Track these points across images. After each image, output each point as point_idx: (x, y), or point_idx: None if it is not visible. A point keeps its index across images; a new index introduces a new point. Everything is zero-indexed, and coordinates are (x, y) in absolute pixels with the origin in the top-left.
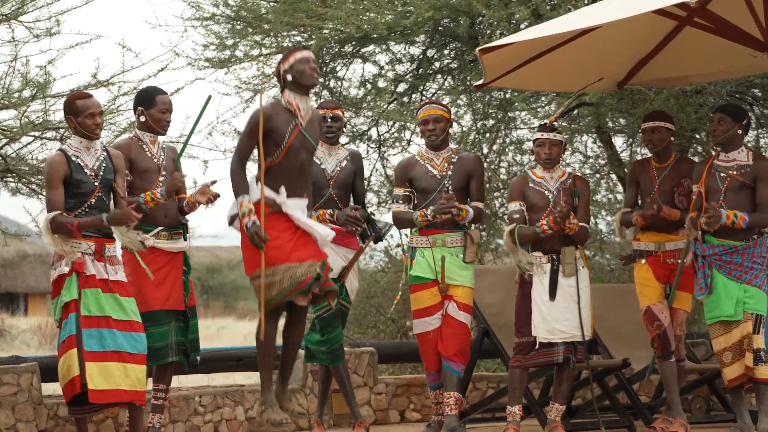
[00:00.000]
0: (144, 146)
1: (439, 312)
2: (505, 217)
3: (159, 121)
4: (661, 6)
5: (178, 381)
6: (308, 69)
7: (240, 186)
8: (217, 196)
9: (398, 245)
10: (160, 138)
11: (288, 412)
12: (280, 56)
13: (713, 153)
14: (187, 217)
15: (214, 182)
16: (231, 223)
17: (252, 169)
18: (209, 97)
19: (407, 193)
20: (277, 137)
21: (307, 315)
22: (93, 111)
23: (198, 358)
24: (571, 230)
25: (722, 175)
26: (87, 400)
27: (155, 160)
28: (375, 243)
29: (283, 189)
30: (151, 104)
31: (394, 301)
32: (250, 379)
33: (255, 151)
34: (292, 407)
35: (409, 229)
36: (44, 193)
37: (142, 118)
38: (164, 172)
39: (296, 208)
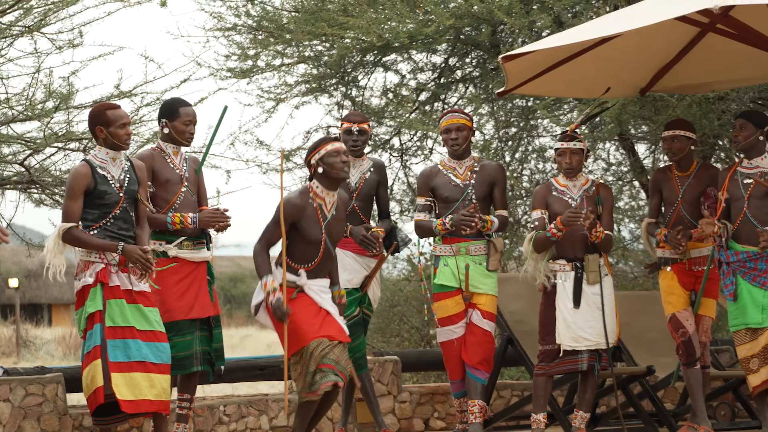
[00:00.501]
0: (167, 157)
1: (463, 320)
2: (528, 225)
3: (183, 132)
4: (684, 13)
5: (203, 390)
6: (339, 162)
7: (263, 268)
8: (225, 227)
9: (421, 254)
10: (183, 148)
11: None
12: (310, 145)
13: (736, 160)
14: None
15: (226, 210)
16: (256, 313)
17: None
18: (225, 108)
19: (428, 203)
20: (303, 230)
21: (333, 402)
22: (125, 121)
23: (222, 367)
24: (597, 238)
25: (746, 182)
26: (111, 410)
27: (178, 171)
28: (394, 253)
29: (302, 271)
30: (175, 116)
31: (425, 317)
32: (274, 388)
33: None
34: None
35: (432, 238)
36: (63, 209)
37: (166, 130)
38: (186, 183)
39: (317, 288)
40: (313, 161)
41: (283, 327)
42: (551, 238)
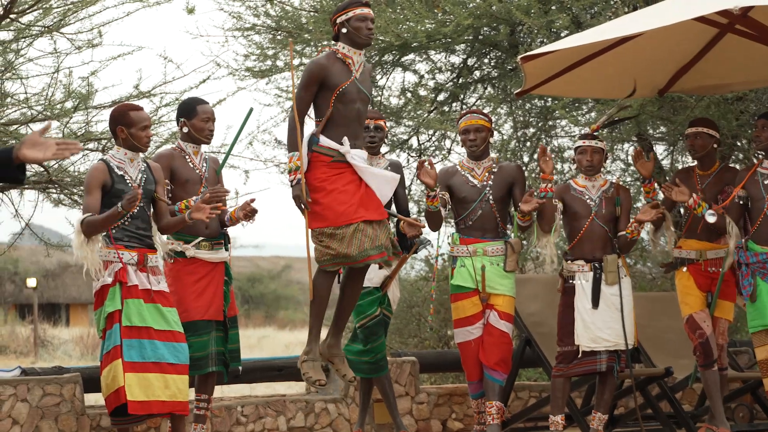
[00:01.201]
0: (186, 157)
1: (481, 321)
2: None
3: (202, 130)
4: (703, 13)
5: (221, 391)
6: (365, 28)
7: (294, 142)
8: (255, 211)
9: (437, 255)
10: (203, 149)
11: (335, 369)
12: (338, 7)
13: (755, 160)
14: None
15: (253, 200)
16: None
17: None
18: (251, 110)
19: (442, 195)
20: (333, 86)
21: (366, 271)
22: (147, 123)
23: (240, 368)
24: (634, 234)
25: (766, 182)
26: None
27: (197, 171)
28: (414, 254)
29: (346, 139)
30: (193, 114)
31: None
32: (292, 389)
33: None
34: (345, 370)
35: (449, 239)
36: (82, 205)
37: (185, 129)
38: (206, 184)
39: (359, 158)
40: (338, 21)
41: (317, 204)
42: (548, 194)
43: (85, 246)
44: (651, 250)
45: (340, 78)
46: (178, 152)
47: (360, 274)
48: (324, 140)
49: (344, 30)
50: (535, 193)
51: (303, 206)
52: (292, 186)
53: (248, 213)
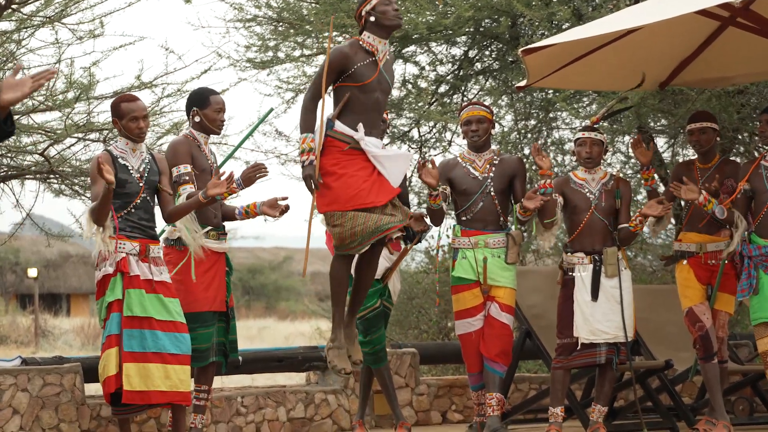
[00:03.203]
0: (200, 146)
1: (482, 313)
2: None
3: (214, 120)
4: (705, 6)
5: (221, 382)
6: (391, 10)
7: (307, 123)
8: (287, 208)
9: (437, 247)
10: (210, 139)
11: (352, 361)
12: None
13: (757, 154)
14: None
15: (285, 198)
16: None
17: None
18: (270, 110)
19: (443, 190)
20: (355, 75)
21: (381, 252)
22: (137, 114)
23: (240, 358)
24: (638, 227)
25: None
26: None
27: (209, 161)
28: (416, 244)
29: (361, 126)
30: (206, 104)
31: (437, 306)
32: (292, 379)
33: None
34: (352, 351)
35: (451, 231)
36: (87, 195)
37: (197, 119)
38: (215, 174)
39: (373, 145)
40: (363, 12)
41: (328, 188)
42: (547, 190)
43: (98, 233)
44: (651, 240)
45: (363, 69)
46: (193, 140)
47: (373, 256)
48: (339, 126)
49: (372, 18)
50: (538, 190)
51: (313, 185)
52: (303, 166)
53: (283, 211)
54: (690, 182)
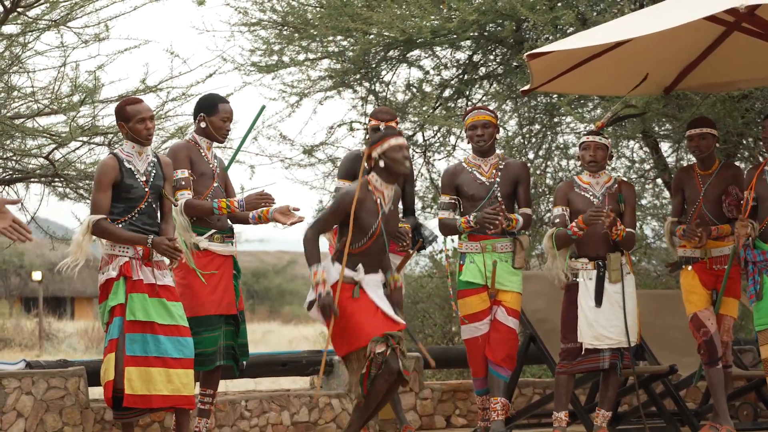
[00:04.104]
0: (201, 151)
1: (488, 317)
2: (549, 221)
3: (220, 129)
4: (711, 13)
5: (225, 385)
6: (401, 157)
7: (313, 256)
8: (301, 219)
9: (441, 251)
10: (214, 144)
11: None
12: (371, 139)
13: (761, 159)
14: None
15: (297, 209)
16: (309, 309)
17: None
18: (263, 107)
19: (452, 201)
20: (362, 223)
21: (397, 389)
22: (144, 116)
23: (245, 362)
24: (618, 236)
25: None
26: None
27: (211, 166)
28: (420, 251)
29: (360, 267)
30: (214, 111)
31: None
32: (296, 383)
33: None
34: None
35: (457, 236)
36: (91, 201)
37: (203, 124)
38: (217, 179)
39: (373, 284)
40: (374, 155)
41: (332, 322)
42: (572, 236)
43: (84, 244)
44: (654, 244)
45: (368, 217)
46: (194, 145)
47: (392, 388)
48: (339, 267)
49: (381, 163)
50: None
51: (333, 314)
52: (320, 297)
53: (294, 222)
54: (744, 220)
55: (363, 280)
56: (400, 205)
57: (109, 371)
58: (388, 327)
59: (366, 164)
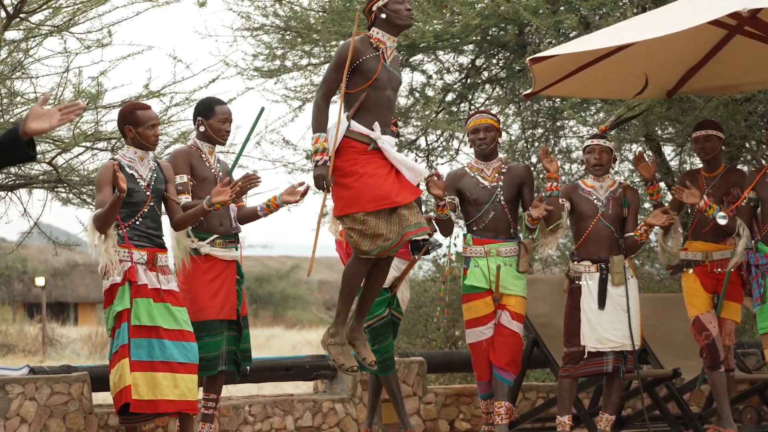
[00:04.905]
0: (203, 155)
1: (492, 321)
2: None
3: (218, 131)
4: (713, 18)
5: (228, 390)
6: (404, 9)
7: (319, 123)
8: (306, 192)
9: (445, 255)
10: (216, 148)
11: (357, 352)
12: None
13: (765, 162)
14: (241, 226)
15: (302, 183)
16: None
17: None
18: (262, 109)
19: (452, 200)
20: (365, 71)
21: (393, 258)
22: (155, 122)
23: (248, 367)
24: (642, 237)
25: None
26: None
27: (213, 170)
28: (425, 255)
29: (377, 124)
30: (211, 114)
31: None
32: (299, 388)
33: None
34: (365, 353)
35: (463, 240)
36: (94, 203)
37: (202, 128)
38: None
39: (388, 143)
40: (374, 8)
41: (346, 188)
42: (553, 193)
43: (101, 243)
44: (659, 254)
45: (372, 63)
46: (195, 150)
47: (386, 262)
48: (355, 125)
49: (383, 15)
50: (544, 195)
51: (325, 185)
52: (316, 166)
53: (301, 196)
54: (693, 187)
55: (380, 138)
56: None
57: (125, 376)
58: (400, 194)
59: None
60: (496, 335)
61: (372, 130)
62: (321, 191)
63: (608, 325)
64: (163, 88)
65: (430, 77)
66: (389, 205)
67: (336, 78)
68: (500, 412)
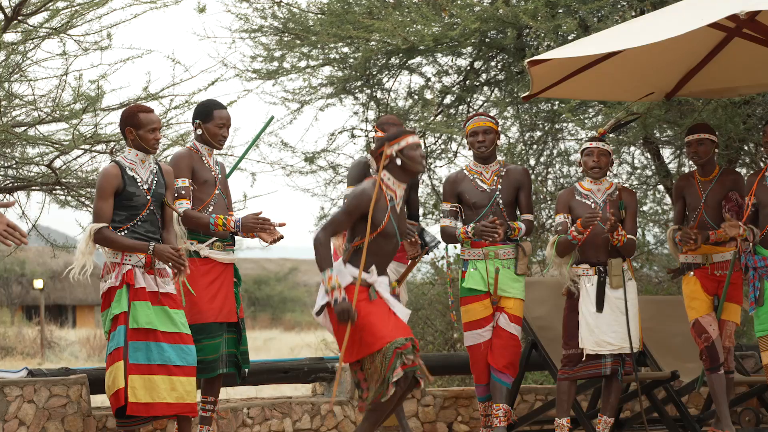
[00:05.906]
0: (203, 158)
1: (491, 324)
2: (552, 229)
3: (215, 135)
4: (711, 21)
5: (226, 393)
6: (418, 156)
7: (325, 260)
8: (281, 238)
9: (442, 257)
10: (215, 151)
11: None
12: (387, 136)
13: (762, 165)
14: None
15: (282, 224)
16: (319, 313)
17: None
18: (271, 117)
19: (454, 208)
20: (374, 223)
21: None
22: (156, 126)
23: (247, 370)
24: (619, 242)
25: None
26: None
27: (212, 173)
28: (424, 255)
29: (374, 268)
30: (209, 118)
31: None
32: (298, 390)
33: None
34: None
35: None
36: (93, 208)
37: (199, 131)
38: (219, 186)
39: (384, 286)
40: (389, 152)
41: (344, 330)
42: (572, 241)
43: (88, 253)
44: (656, 250)
45: (380, 215)
46: (195, 153)
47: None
48: (351, 269)
49: (398, 161)
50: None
51: (351, 320)
52: (337, 303)
53: (276, 240)
54: (732, 219)
55: (376, 281)
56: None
57: (118, 379)
58: (402, 331)
59: (375, 164)
60: (495, 338)
61: (369, 273)
62: (344, 322)
63: (607, 327)
64: (162, 91)
65: (428, 80)
66: (392, 339)
67: (346, 222)
68: (498, 414)
